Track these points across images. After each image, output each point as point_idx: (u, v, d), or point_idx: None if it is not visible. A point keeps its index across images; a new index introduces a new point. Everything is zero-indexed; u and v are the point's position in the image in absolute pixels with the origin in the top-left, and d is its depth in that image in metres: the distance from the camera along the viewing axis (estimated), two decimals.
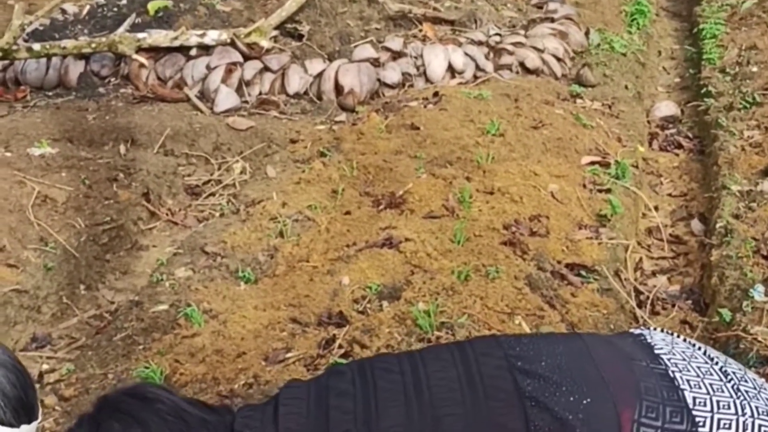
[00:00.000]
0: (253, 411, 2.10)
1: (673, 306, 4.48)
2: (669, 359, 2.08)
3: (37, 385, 3.57)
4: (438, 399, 1.99)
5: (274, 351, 3.87)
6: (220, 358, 3.84)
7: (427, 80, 6.92)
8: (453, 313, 3.96)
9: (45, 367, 4.23)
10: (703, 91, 6.77)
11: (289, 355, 3.85)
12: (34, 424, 2.07)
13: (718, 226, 4.83)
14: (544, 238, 4.64)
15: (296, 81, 6.87)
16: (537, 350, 2.09)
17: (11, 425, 2.02)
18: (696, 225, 5.25)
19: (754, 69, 6.78)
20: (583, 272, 4.41)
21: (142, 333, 4.16)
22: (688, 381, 2.02)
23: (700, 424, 1.95)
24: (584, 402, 1.97)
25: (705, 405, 1.97)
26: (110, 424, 1.89)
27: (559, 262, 4.47)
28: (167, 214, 5.55)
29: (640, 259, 4.95)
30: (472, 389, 1.98)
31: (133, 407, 1.94)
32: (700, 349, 2.17)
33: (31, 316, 4.61)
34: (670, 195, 5.75)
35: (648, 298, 4.51)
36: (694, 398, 1.98)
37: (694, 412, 1.96)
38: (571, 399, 1.97)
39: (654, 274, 4.82)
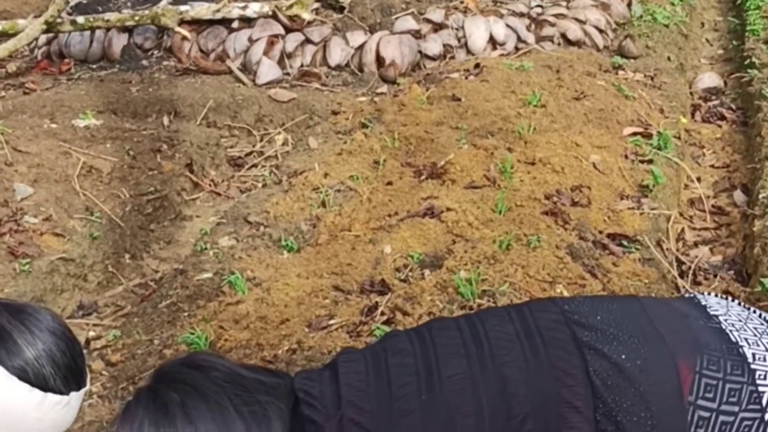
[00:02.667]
0: (311, 373, 2.10)
1: (715, 276, 4.47)
2: (725, 319, 2.08)
3: (84, 351, 3.62)
4: (498, 348, 1.99)
5: (316, 318, 3.91)
6: (264, 324, 3.88)
7: (468, 52, 6.92)
8: (494, 282, 3.97)
9: (92, 334, 4.29)
10: (746, 63, 6.72)
11: (331, 321, 3.88)
12: (83, 390, 2.10)
13: (760, 197, 4.80)
14: (586, 209, 4.64)
15: (337, 53, 6.88)
16: (592, 307, 2.09)
17: (61, 392, 2.06)
18: (739, 196, 5.23)
19: None
20: (624, 242, 4.41)
21: (186, 300, 4.21)
22: (745, 339, 2.01)
23: (761, 377, 1.95)
24: (641, 351, 1.98)
25: (764, 360, 1.98)
26: (168, 395, 1.90)
27: (600, 232, 4.47)
28: (210, 185, 5.60)
29: (682, 229, 4.94)
30: (530, 340, 1.99)
31: (189, 376, 1.94)
32: (755, 312, 2.17)
33: (77, 284, 4.67)
34: (712, 166, 5.72)
35: (690, 268, 4.50)
36: (753, 354, 1.99)
37: (753, 366, 1.96)
38: (628, 349, 1.98)
39: (696, 244, 4.81)
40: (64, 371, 2.08)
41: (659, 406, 1.93)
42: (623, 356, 1.97)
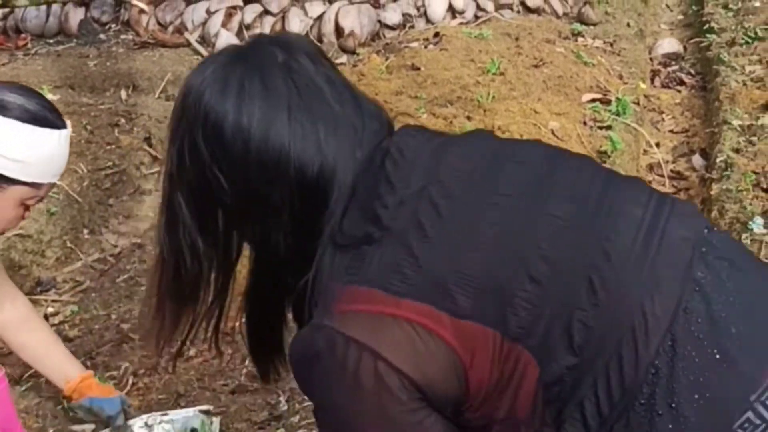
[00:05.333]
0: (418, 134, 1.75)
1: None
2: None
3: None
4: (611, 218, 1.58)
5: None
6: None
7: (428, 21, 6.89)
8: None
9: (50, 310, 4.27)
10: (705, 28, 6.73)
11: None
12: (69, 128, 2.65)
13: (718, 160, 4.82)
14: None
15: (296, 24, 6.84)
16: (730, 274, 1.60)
17: (63, 127, 2.59)
18: (697, 160, 5.25)
19: (757, 4, 6.74)
20: None
21: (144, 275, 4.20)
22: None
23: None
24: (752, 332, 1.55)
25: None
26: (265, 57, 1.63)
27: None
28: None
29: None
30: (646, 240, 1.55)
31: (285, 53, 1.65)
32: None
33: (35, 260, 4.63)
34: (671, 131, 5.74)
35: None
36: None
37: None
38: (740, 318, 1.55)
39: None
40: (50, 109, 2.60)
41: (718, 401, 1.53)
42: (727, 315, 1.54)
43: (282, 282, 1.68)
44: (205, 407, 3.26)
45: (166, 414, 3.20)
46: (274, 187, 1.58)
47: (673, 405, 1.49)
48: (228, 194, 1.60)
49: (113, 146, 5.46)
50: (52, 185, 2.74)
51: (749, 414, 1.51)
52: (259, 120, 1.55)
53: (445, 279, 1.48)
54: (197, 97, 1.59)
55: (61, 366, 3.19)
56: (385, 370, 1.45)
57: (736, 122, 5.11)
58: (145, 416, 3.20)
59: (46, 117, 2.53)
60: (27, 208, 2.62)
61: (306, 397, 3.34)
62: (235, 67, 1.60)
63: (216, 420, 3.22)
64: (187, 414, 3.19)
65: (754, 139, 4.90)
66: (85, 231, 4.91)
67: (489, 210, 1.55)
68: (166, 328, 1.74)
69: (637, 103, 5.69)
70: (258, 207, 1.61)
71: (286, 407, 3.38)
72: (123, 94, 6.09)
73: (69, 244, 4.79)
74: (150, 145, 5.57)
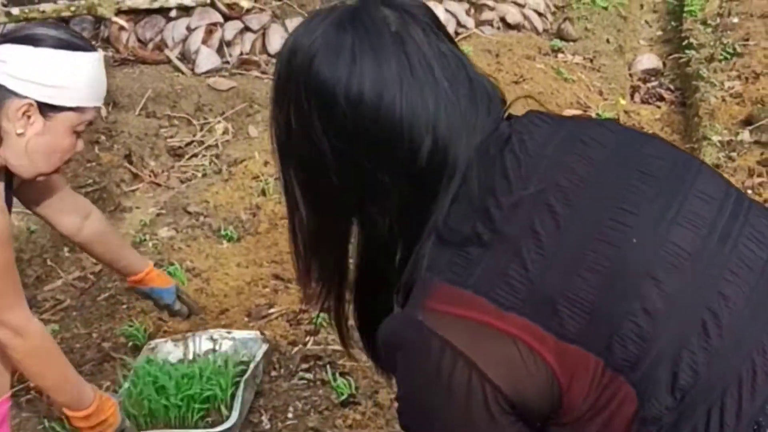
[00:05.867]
0: (546, 120, 1.62)
1: None
2: None
3: None
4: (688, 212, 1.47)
5: (256, 307, 3.90)
6: (204, 315, 3.86)
7: None
8: None
9: None
10: (684, 43, 6.78)
11: (271, 310, 3.88)
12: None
13: None
14: None
15: (277, 40, 6.83)
16: None
17: (96, 49, 2.67)
18: None
19: (735, 20, 6.79)
20: None
21: (125, 293, 4.17)
22: None
23: None
24: None
25: None
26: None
27: None
28: (149, 176, 5.55)
29: None
30: (722, 239, 1.46)
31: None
32: None
33: None
34: None
35: None
36: None
37: None
38: None
39: None
40: (80, 36, 2.69)
41: None
42: None
43: (386, 267, 1.55)
44: (262, 333, 3.68)
45: (230, 332, 3.65)
46: (383, 165, 1.48)
47: None
48: (336, 169, 1.51)
49: (93, 163, 5.44)
50: (98, 110, 2.85)
51: None
52: (370, 93, 1.45)
53: (554, 298, 1.39)
54: (307, 60, 1.49)
55: (130, 264, 3.49)
56: (479, 382, 1.38)
57: (715, 138, 5.14)
58: (211, 330, 3.68)
59: (78, 42, 2.59)
60: (78, 135, 2.68)
61: (288, 417, 3.36)
62: (346, 33, 1.48)
63: (264, 347, 3.56)
64: (249, 335, 3.63)
65: (734, 154, 4.93)
66: (66, 249, 4.88)
67: (610, 229, 1.43)
68: (303, 282, 1.67)
69: (617, 119, 5.71)
70: (365, 187, 1.51)
71: (269, 425, 3.38)
72: (103, 111, 6.06)
73: (49, 262, 4.76)
74: (130, 162, 5.55)
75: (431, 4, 6.84)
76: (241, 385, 3.30)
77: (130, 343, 3.81)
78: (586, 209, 1.45)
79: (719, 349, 1.40)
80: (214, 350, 3.58)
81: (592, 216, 1.44)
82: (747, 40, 6.35)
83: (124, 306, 4.08)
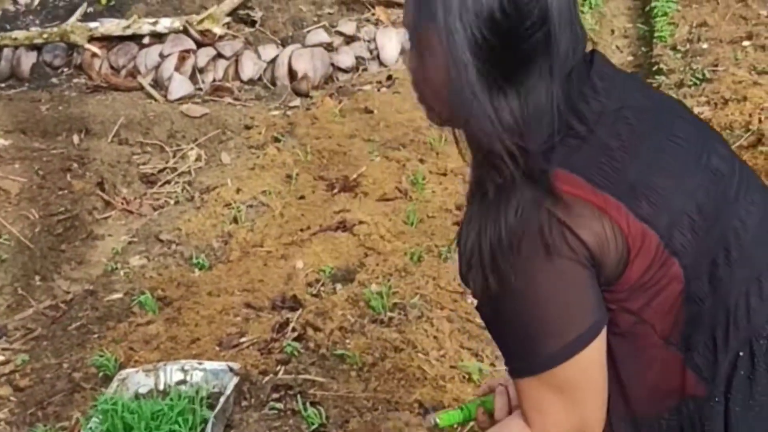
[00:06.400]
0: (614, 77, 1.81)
1: None
2: None
3: None
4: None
5: (227, 336, 3.89)
6: (174, 344, 3.85)
7: (381, 64, 6.93)
8: (406, 294, 3.98)
9: (0, 358, 4.23)
10: (654, 69, 6.81)
11: (242, 339, 3.87)
12: None
13: None
14: None
15: (250, 67, 6.86)
16: None
17: None
18: None
19: (705, 46, 6.83)
20: None
21: (96, 322, 4.17)
22: None
23: None
24: None
25: None
26: None
27: None
28: (122, 203, 5.54)
29: None
30: (740, 181, 1.79)
31: None
32: None
33: None
34: None
35: None
36: None
37: None
38: None
39: None
40: None
41: None
42: None
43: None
44: (233, 364, 3.64)
45: (201, 363, 3.64)
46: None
47: None
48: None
49: (65, 191, 5.44)
50: None
51: None
52: None
53: (636, 184, 1.65)
54: None
55: None
56: (572, 237, 1.60)
57: None
58: (183, 361, 3.66)
59: None
60: None
61: None
62: None
63: (235, 379, 3.55)
64: (220, 366, 3.61)
65: None
66: (37, 277, 4.87)
67: (670, 144, 1.73)
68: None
69: None
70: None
71: None
72: (75, 138, 6.07)
73: (20, 291, 4.75)
74: (103, 190, 5.55)
75: (403, 31, 6.89)
76: (210, 422, 3.29)
77: (101, 373, 3.80)
78: (653, 126, 1.74)
79: (739, 259, 1.73)
80: (185, 381, 3.58)
81: (657, 132, 1.74)
82: (716, 65, 6.39)
83: (96, 335, 4.07)
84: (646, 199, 1.65)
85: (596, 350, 1.67)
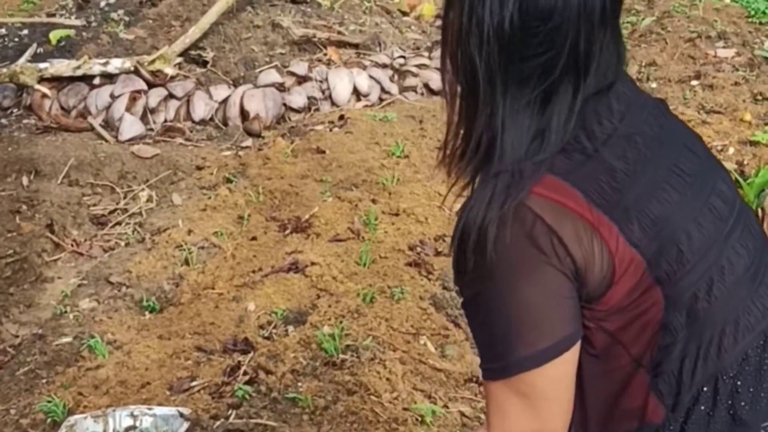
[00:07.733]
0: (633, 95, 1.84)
1: None
2: None
3: None
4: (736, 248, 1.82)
5: (178, 380, 3.85)
6: (124, 389, 3.81)
7: (333, 104, 6.95)
8: (358, 336, 3.97)
9: None
10: None
11: (194, 383, 3.83)
12: None
13: None
14: (449, 258, 4.67)
15: (201, 107, 6.84)
16: None
17: None
18: None
19: (654, 85, 6.92)
20: None
21: (45, 366, 4.11)
22: None
23: None
24: None
25: None
26: None
27: None
28: (72, 245, 5.48)
29: None
30: (754, 278, 1.83)
31: None
32: None
33: None
34: None
35: None
36: None
37: None
38: None
39: None
40: None
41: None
42: None
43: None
44: (183, 409, 3.61)
45: (151, 408, 3.61)
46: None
47: (751, 390, 1.77)
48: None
49: (14, 233, 5.37)
50: None
51: None
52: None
53: (631, 208, 1.69)
54: None
55: None
56: (560, 245, 1.63)
57: None
58: (132, 406, 3.64)
59: None
60: None
61: None
62: None
63: (186, 425, 3.53)
64: (170, 412, 3.58)
65: None
66: None
67: (673, 176, 1.76)
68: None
69: None
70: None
71: None
72: (25, 179, 6.00)
73: None
74: (52, 232, 5.49)
75: (354, 71, 6.92)
76: None
77: (50, 419, 3.74)
78: (660, 155, 1.77)
79: (720, 298, 1.76)
80: (134, 427, 3.55)
81: (662, 161, 1.77)
82: None
83: (44, 380, 4.01)
84: (639, 224, 1.69)
85: (568, 363, 1.70)
